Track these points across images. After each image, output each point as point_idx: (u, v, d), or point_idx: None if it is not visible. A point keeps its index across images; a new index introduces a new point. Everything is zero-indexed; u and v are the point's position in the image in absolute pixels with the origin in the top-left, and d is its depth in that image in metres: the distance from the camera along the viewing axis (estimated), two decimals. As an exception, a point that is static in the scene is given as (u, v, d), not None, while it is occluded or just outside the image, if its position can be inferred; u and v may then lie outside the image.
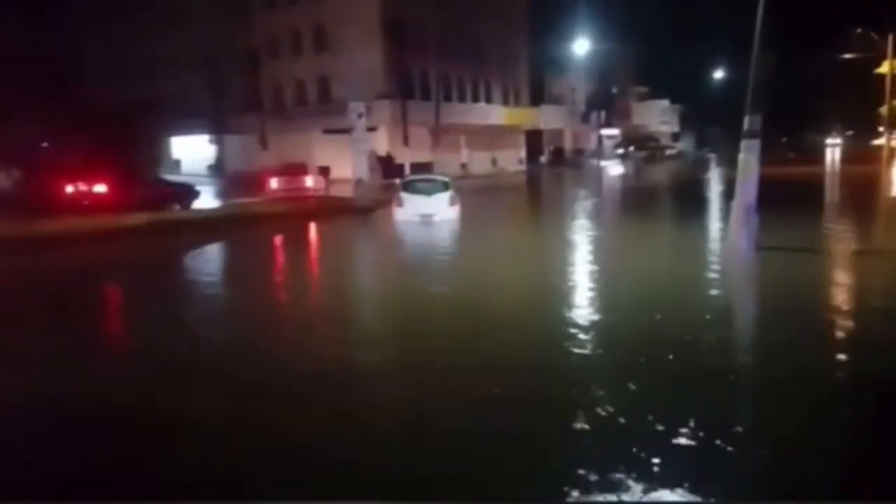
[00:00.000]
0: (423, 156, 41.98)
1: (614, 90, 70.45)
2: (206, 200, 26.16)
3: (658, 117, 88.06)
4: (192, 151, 53.19)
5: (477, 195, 28.55)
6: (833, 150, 71.04)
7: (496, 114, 53.17)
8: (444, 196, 19.25)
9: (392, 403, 5.80)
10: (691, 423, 5.06)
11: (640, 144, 74.13)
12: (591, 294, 10.02)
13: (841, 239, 14.77)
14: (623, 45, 63.13)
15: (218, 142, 51.12)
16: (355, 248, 17.51)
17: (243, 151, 47.54)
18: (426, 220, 18.71)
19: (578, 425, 5.20)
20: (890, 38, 37.85)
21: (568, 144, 67.47)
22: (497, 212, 25.62)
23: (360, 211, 23.42)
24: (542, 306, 9.25)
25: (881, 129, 47.78)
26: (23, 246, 15.00)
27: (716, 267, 12.03)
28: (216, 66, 45.18)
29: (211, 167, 50.99)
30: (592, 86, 66.65)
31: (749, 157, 12.92)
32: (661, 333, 7.54)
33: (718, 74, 71.54)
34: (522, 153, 58.06)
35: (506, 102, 55.42)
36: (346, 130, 31.09)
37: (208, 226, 19.52)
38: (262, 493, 4.33)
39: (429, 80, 45.94)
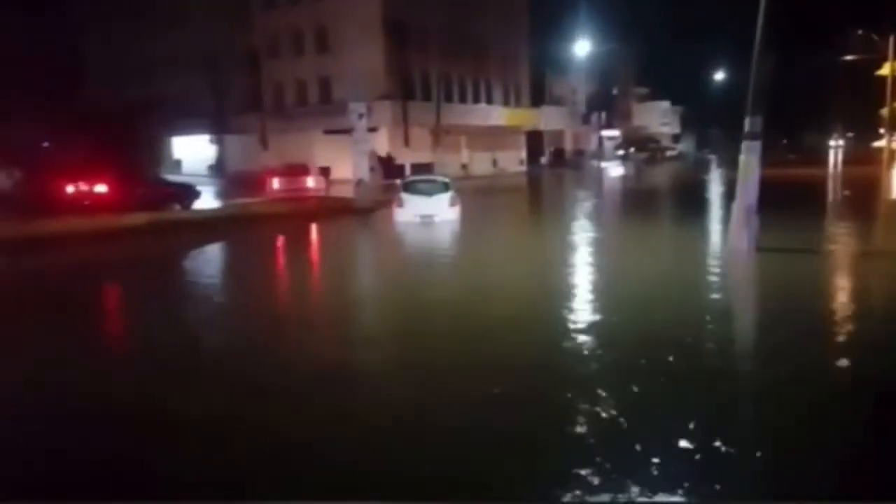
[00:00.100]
0: (423, 156, 41.99)
1: (615, 91, 70.46)
2: (207, 200, 26.16)
3: (659, 118, 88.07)
4: (192, 151, 53.22)
5: (477, 196, 28.55)
6: (836, 152, 71.12)
7: (497, 115, 53.18)
8: (445, 197, 19.26)
9: (392, 403, 5.79)
10: (691, 423, 5.06)
11: (640, 146, 74.09)
12: (591, 295, 10.02)
13: (841, 240, 14.77)
14: (624, 46, 63.11)
15: (218, 142, 51.13)
16: (356, 248, 17.51)
17: (244, 152, 47.55)
18: (427, 220, 18.71)
19: (578, 425, 5.20)
20: (891, 39, 37.85)
21: (568, 145, 67.49)
22: (497, 213, 25.61)
23: (361, 211, 23.42)
24: (542, 307, 9.25)
25: (882, 130, 47.79)
26: (23, 246, 15.02)
27: (716, 268, 12.03)
28: (217, 66, 45.18)
29: (211, 167, 51.01)
30: (593, 87, 66.65)
31: (750, 158, 12.93)
32: (662, 334, 7.53)
33: (719, 76, 71.62)
34: (523, 154, 58.08)
35: (506, 103, 55.43)
36: (347, 131, 31.06)
37: (209, 226, 19.53)
38: (262, 493, 4.33)
39: (430, 81, 45.94)
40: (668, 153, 79.66)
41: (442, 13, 45.66)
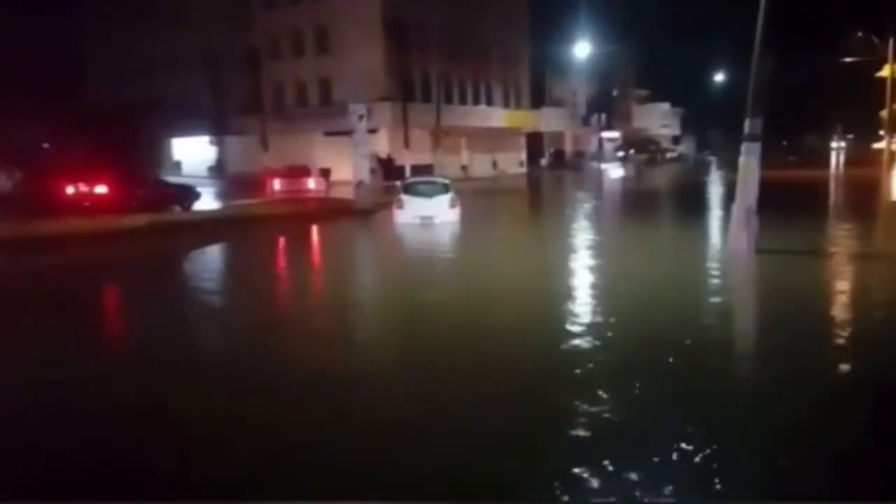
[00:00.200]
0: (423, 158, 41.98)
1: (615, 93, 70.47)
2: (207, 202, 26.16)
3: (659, 120, 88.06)
4: (192, 153, 53.20)
5: (477, 197, 28.55)
6: (838, 153, 71.17)
7: (497, 116, 53.19)
8: (445, 198, 19.26)
9: (392, 403, 5.79)
10: (691, 423, 5.06)
11: (640, 147, 74.07)
12: (591, 296, 10.01)
13: (841, 242, 14.78)
14: (624, 48, 63.10)
15: (218, 143, 51.12)
16: (356, 250, 17.51)
17: (244, 153, 47.52)
18: (427, 222, 18.71)
19: (577, 425, 5.20)
20: (891, 41, 37.89)
21: (568, 147, 67.47)
22: (498, 214, 25.61)
23: (361, 213, 23.42)
24: (542, 308, 9.26)
25: (882, 132, 47.81)
26: (23, 246, 15.00)
27: (716, 269, 12.04)
28: (217, 66, 45.17)
29: (211, 168, 51.00)
30: (593, 88, 66.65)
31: (749, 160, 12.94)
32: (661, 335, 7.53)
33: (719, 77, 71.62)
34: (523, 156, 58.08)
35: (506, 105, 55.44)
36: (347, 132, 31.10)
37: (209, 227, 19.52)
38: (262, 493, 4.33)
39: (430, 82, 45.95)
40: (668, 155, 79.62)
41: (442, 14, 45.67)
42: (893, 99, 39.53)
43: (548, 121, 60.51)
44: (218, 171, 50.07)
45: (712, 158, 71.46)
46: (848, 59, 42.87)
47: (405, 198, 19.46)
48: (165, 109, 44.33)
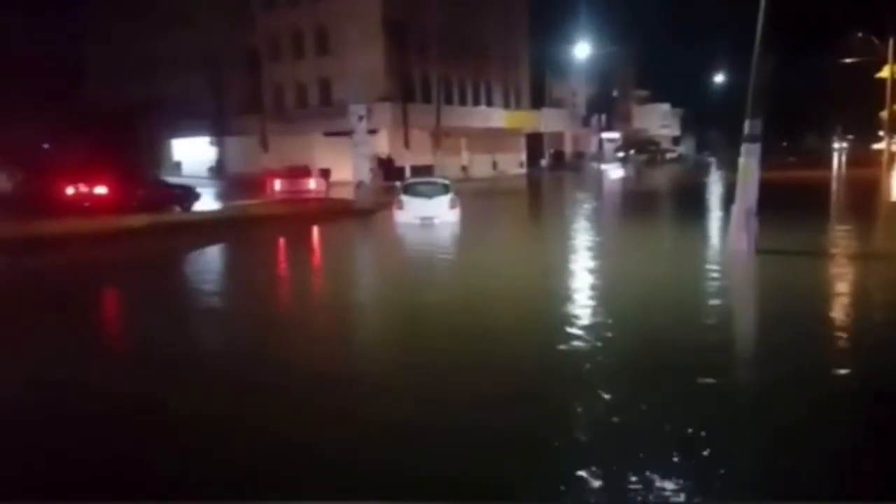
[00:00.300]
0: (423, 158, 41.98)
1: (615, 93, 70.49)
2: (207, 202, 26.18)
3: (659, 121, 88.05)
4: (192, 153, 53.22)
5: (477, 198, 28.56)
6: (840, 154, 71.23)
7: (497, 117, 53.23)
8: (445, 199, 19.26)
9: (392, 404, 5.79)
10: (690, 423, 5.07)
11: (640, 148, 74.13)
12: (590, 297, 9.99)
13: (841, 243, 14.78)
14: (624, 49, 63.13)
15: (219, 143, 51.15)
16: (356, 250, 17.51)
17: (244, 153, 47.53)
18: (426, 222, 18.72)
19: (577, 425, 5.21)
20: (891, 42, 37.89)
21: (568, 148, 67.50)
22: (498, 215, 25.62)
23: (361, 213, 23.44)
24: (542, 309, 9.26)
25: (881, 133, 47.80)
26: (23, 246, 14.99)
27: (716, 270, 12.03)
28: (217, 67, 45.21)
29: (212, 169, 51.02)
30: (593, 89, 66.66)
31: (749, 160, 12.95)
32: (661, 336, 7.54)
33: (719, 78, 71.63)
34: (523, 156, 58.11)
35: (506, 105, 55.48)
36: (347, 133, 31.17)
37: (209, 228, 19.53)
38: (262, 493, 4.33)
39: (430, 83, 45.97)
40: (668, 155, 79.65)
41: (442, 15, 45.71)
42: (893, 100, 39.52)
43: (548, 121, 60.54)
44: (218, 171, 50.10)
45: (712, 159, 71.49)
46: (848, 60, 42.88)
47: (405, 198, 19.46)
48: (165, 110, 44.37)
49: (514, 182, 44.92)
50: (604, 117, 66.83)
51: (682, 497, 4.13)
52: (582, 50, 53.25)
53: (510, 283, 11.19)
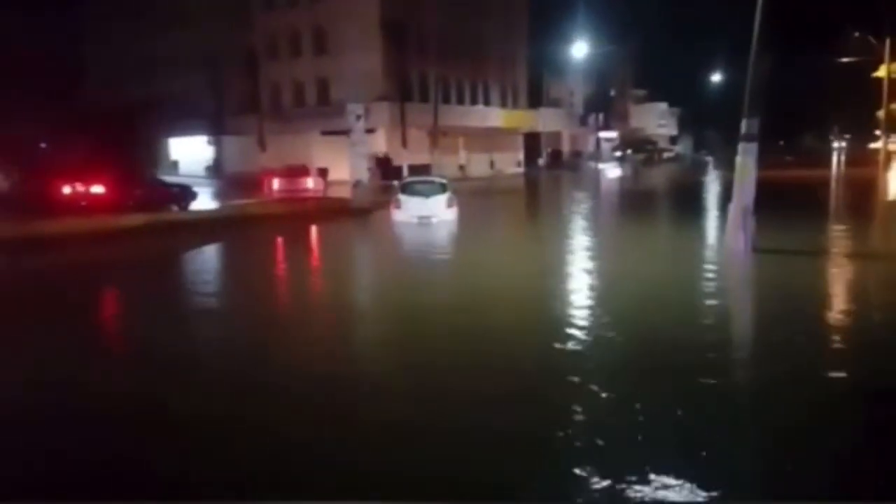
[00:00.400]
0: (421, 158, 41.96)
1: (612, 93, 70.51)
2: (205, 201, 26.15)
3: (656, 120, 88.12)
4: (190, 152, 53.16)
5: (475, 197, 28.56)
6: (839, 153, 71.35)
7: (494, 116, 53.21)
8: (442, 198, 19.27)
9: (391, 403, 5.80)
10: (689, 423, 5.08)
11: (637, 147, 74.15)
12: (588, 298, 10.00)
13: (838, 242, 14.81)
14: (621, 48, 63.11)
15: (216, 143, 51.11)
16: (354, 249, 17.48)
17: (241, 153, 47.48)
18: (424, 221, 18.73)
19: (575, 425, 5.22)
20: (888, 41, 37.94)
21: (566, 147, 67.49)
22: (495, 214, 25.63)
23: (359, 212, 23.43)
24: (539, 308, 9.27)
25: (878, 132, 47.86)
26: (19, 246, 14.93)
27: (713, 269, 12.05)
28: (215, 66, 45.16)
29: (209, 168, 50.97)
30: (591, 88, 66.69)
31: (746, 160, 12.98)
32: (658, 336, 7.55)
33: (716, 77, 71.57)
34: (520, 155, 58.12)
35: (504, 105, 55.47)
36: (345, 132, 31.06)
37: (207, 227, 19.48)
38: (262, 493, 4.33)
39: (427, 83, 45.96)
40: (666, 155, 79.71)
41: (440, 15, 45.69)
42: (889, 99, 39.58)
43: (545, 121, 60.53)
44: (215, 170, 50.05)
45: (709, 158, 71.55)
46: (845, 60, 42.93)
47: (403, 197, 19.47)
48: (163, 109, 44.31)
49: (512, 181, 44.90)
50: (601, 117, 66.83)
51: (682, 497, 4.14)
52: (579, 49, 53.19)
53: (508, 283, 11.20)
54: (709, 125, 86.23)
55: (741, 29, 13.70)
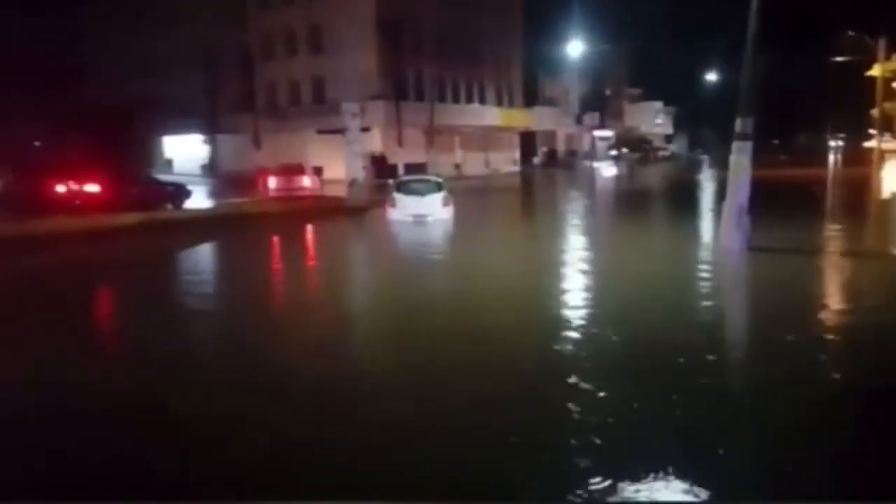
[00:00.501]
0: (416, 156, 41.99)
1: (608, 92, 70.58)
2: (200, 200, 26.10)
3: (651, 119, 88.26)
4: (184, 151, 53.08)
5: (471, 196, 28.58)
6: (836, 152, 71.55)
7: (490, 115, 53.24)
8: (438, 197, 19.27)
9: (391, 403, 5.81)
10: (688, 423, 5.10)
11: (633, 146, 74.28)
12: (584, 298, 9.99)
13: (831, 240, 14.88)
14: (617, 47, 63.19)
15: (211, 141, 51.03)
16: (350, 248, 17.47)
17: (237, 151, 47.45)
18: (420, 220, 18.73)
19: (574, 425, 5.23)
20: (881, 41, 38.04)
21: (561, 146, 67.57)
22: (491, 213, 25.66)
23: (354, 211, 23.43)
24: (534, 307, 9.27)
25: (872, 131, 47.98)
26: (12, 245, 14.78)
27: (708, 267, 12.09)
28: (210, 65, 45.11)
29: (204, 167, 50.90)
30: (586, 87, 66.67)
31: (741, 158, 13.02)
32: (654, 335, 7.56)
33: (712, 76, 71.86)
34: (516, 154, 58.17)
35: (500, 104, 55.49)
36: (340, 131, 31.13)
37: (201, 226, 19.42)
38: (262, 493, 4.34)
39: (423, 81, 45.97)
40: (661, 154, 79.91)
41: (436, 13, 45.69)
42: (883, 98, 39.69)
43: (541, 120, 60.58)
44: (211, 169, 49.98)
45: (704, 157, 71.72)
46: (839, 59, 43.04)
47: (398, 196, 19.47)
48: (158, 108, 44.24)
49: (507, 180, 44.94)
50: (597, 115, 66.87)
51: (682, 497, 4.16)
52: (575, 48, 53.30)
53: (504, 282, 11.20)
54: (704, 124, 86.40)
55: (737, 28, 13.72)
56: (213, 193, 32.22)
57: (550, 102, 63.89)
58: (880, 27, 38.10)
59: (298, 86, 47.64)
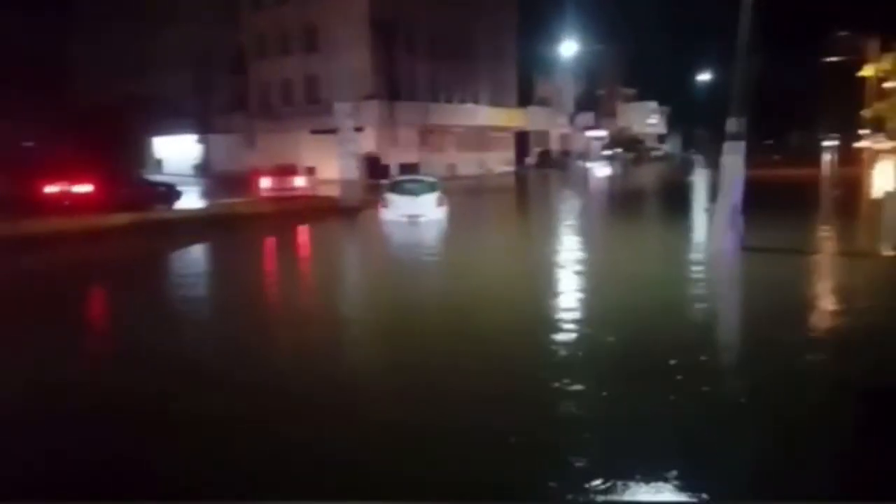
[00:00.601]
0: (410, 156, 41.97)
1: (601, 92, 70.72)
2: (193, 200, 26.03)
3: (645, 119, 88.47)
4: (176, 151, 52.91)
5: (464, 196, 28.59)
6: (832, 152, 71.83)
7: (484, 115, 53.23)
8: (432, 197, 19.27)
9: (390, 403, 5.82)
10: (687, 423, 5.13)
11: (626, 146, 74.43)
12: (577, 299, 10.00)
13: (824, 240, 14.95)
14: (611, 47, 63.37)
15: (204, 141, 50.88)
16: (343, 249, 17.45)
17: (229, 151, 47.34)
18: (413, 220, 18.72)
19: (572, 424, 5.26)
20: (871, 41, 38.27)
21: (555, 146, 67.59)
22: (485, 213, 25.68)
23: (347, 211, 23.37)
24: (528, 308, 9.26)
25: (865, 131, 48.25)
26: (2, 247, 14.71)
27: (701, 267, 12.14)
28: (203, 65, 45.00)
29: (196, 167, 50.75)
30: (580, 87, 66.86)
31: (734, 158, 13.06)
32: (649, 335, 7.59)
33: (705, 76, 71.89)
34: (510, 154, 58.17)
35: (493, 104, 55.47)
36: (334, 131, 30.99)
37: (194, 226, 19.33)
38: (262, 493, 4.34)
39: (417, 81, 45.95)
40: (654, 153, 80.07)
41: (430, 13, 45.68)
42: (876, 98, 39.93)
43: (534, 120, 60.62)
44: (203, 169, 49.84)
45: (698, 157, 71.77)
46: (832, 59, 43.29)
47: (392, 196, 19.46)
48: (150, 108, 44.07)
49: (501, 180, 44.96)
50: (590, 115, 67.02)
51: (681, 497, 4.18)
52: (569, 48, 53.40)
53: (498, 283, 11.22)
54: (697, 124, 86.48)
55: (730, 28, 13.77)
56: (207, 194, 32.12)
57: (544, 102, 63.96)
58: (873, 28, 38.34)
59: (292, 85, 47.56)
